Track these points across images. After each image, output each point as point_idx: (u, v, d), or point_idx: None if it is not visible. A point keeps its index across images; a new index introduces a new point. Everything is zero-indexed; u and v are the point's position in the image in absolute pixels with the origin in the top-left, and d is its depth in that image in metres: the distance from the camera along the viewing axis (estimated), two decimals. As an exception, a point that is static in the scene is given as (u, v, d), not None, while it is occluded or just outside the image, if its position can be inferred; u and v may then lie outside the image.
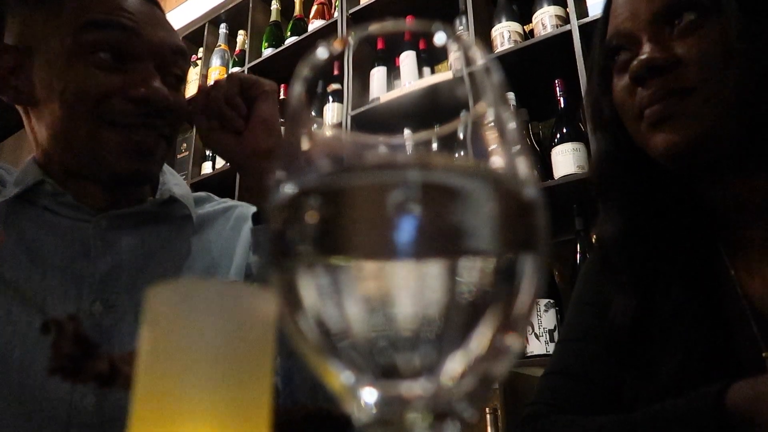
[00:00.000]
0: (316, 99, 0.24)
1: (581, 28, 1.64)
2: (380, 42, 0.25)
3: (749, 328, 0.64)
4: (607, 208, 0.76)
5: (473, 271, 0.20)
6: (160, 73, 0.77)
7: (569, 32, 1.67)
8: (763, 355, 0.62)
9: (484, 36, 1.87)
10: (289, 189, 0.22)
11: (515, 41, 1.82)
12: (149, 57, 0.76)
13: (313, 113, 0.24)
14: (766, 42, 0.62)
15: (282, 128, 0.86)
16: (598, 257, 0.79)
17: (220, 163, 2.48)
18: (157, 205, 0.81)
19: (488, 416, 1.52)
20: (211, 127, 0.81)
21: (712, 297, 0.67)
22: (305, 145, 0.23)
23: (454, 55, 0.24)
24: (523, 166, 0.22)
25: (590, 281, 0.79)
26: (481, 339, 0.20)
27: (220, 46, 2.73)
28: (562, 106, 1.72)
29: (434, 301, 0.20)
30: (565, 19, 1.76)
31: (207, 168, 2.54)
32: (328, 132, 0.26)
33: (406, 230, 0.20)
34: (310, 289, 0.21)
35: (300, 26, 2.44)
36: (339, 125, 0.27)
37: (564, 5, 1.77)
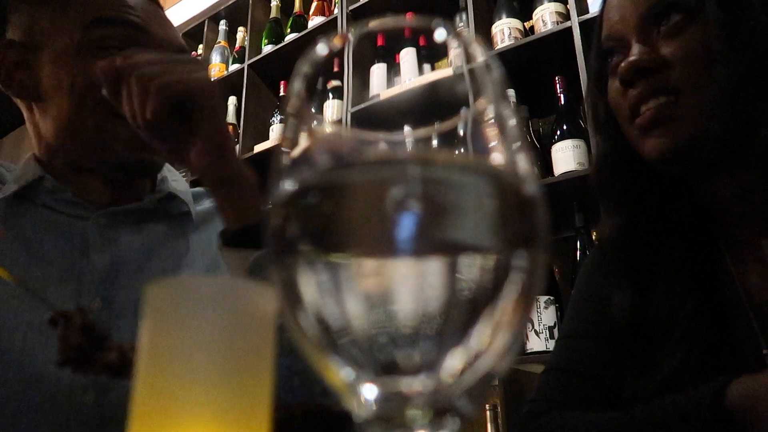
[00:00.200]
0: (316, 96, 0.24)
1: (582, 24, 1.64)
2: (380, 39, 0.25)
3: (750, 324, 0.64)
4: (607, 208, 0.76)
5: (473, 268, 0.20)
6: None
7: (570, 29, 1.67)
8: (764, 352, 0.62)
9: (484, 33, 1.87)
10: (289, 185, 0.22)
11: (515, 38, 1.82)
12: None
13: (313, 110, 0.24)
14: (747, 43, 0.62)
15: (235, 148, 0.80)
16: (598, 255, 0.79)
17: (220, 160, 2.48)
18: (156, 202, 0.81)
19: (488, 413, 1.53)
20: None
21: (713, 294, 0.67)
22: (305, 141, 0.23)
23: (455, 52, 0.24)
24: (523, 163, 0.22)
25: (590, 278, 0.79)
26: (480, 335, 0.20)
27: (219, 42, 2.73)
28: (563, 103, 1.72)
29: (434, 297, 0.20)
30: (566, 16, 1.76)
31: (207, 165, 2.53)
32: (328, 129, 0.26)
33: (406, 227, 0.20)
34: (310, 285, 0.21)
35: (300, 23, 2.44)
36: (339, 122, 0.27)
37: (564, 2, 1.77)
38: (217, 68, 2.64)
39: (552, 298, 1.57)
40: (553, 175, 1.63)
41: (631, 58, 0.66)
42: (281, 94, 2.46)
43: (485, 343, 0.20)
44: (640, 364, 0.67)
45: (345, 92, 0.30)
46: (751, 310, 0.65)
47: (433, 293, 0.20)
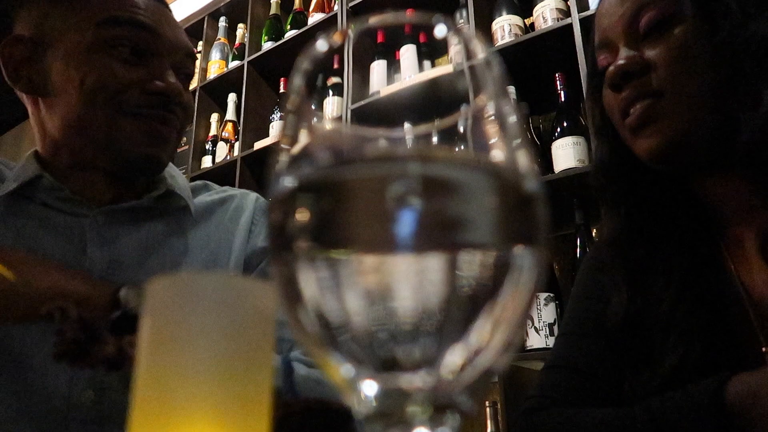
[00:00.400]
0: (315, 92, 0.24)
1: (582, 21, 1.64)
2: (380, 35, 0.25)
3: (748, 321, 0.64)
4: (607, 209, 0.78)
5: (473, 264, 0.20)
6: (173, 70, 0.80)
7: (570, 26, 1.67)
8: (763, 348, 0.62)
9: (484, 29, 1.87)
10: (289, 182, 0.22)
11: (516, 34, 1.82)
12: (165, 54, 0.79)
13: (312, 106, 0.24)
14: (725, 45, 0.63)
15: None
16: (598, 252, 0.80)
17: (220, 157, 2.48)
18: (154, 200, 0.82)
19: (488, 409, 1.53)
20: None
21: (712, 291, 0.67)
22: (305, 138, 0.23)
23: (455, 49, 0.24)
24: (523, 160, 0.22)
25: (590, 275, 0.79)
26: (480, 332, 0.20)
27: (219, 39, 2.72)
28: (563, 99, 1.72)
29: (434, 293, 0.20)
30: (566, 13, 1.75)
31: (207, 162, 2.54)
32: (328, 125, 0.26)
33: (406, 223, 0.20)
34: (310, 281, 0.21)
35: (300, 19, 2.43)
36: (339, 118, 0.27)
37: (565, -2, 1.77)
38: (217, 65, 2.64)
39: (552, 295, 1.57)
40: (553, 172, 1.63)
41: (618, 63, 0.69)
42: (281, 90, 2.46)
43: (485, 339, 0.20)
44: (639, 361, 0.67)
45: (345, 89, 0.30)
46: (750, 307, 0.65)
47: (433, 289, 0.20)
